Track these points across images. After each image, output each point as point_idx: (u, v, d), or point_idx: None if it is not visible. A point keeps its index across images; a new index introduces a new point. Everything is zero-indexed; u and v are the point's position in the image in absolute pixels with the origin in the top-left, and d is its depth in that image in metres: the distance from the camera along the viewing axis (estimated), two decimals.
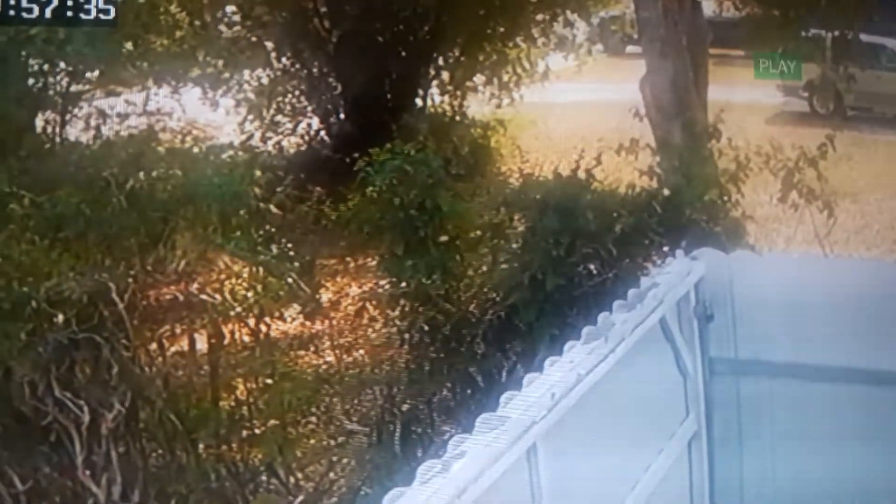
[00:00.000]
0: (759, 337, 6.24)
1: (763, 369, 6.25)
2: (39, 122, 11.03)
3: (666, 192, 8.91)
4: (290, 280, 9.42)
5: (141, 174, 8.98)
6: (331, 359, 10.80)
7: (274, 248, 9.31)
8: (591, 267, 8.69)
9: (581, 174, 9.05)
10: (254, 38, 14.65)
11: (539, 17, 15.39)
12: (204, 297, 9.40)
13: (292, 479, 9.08)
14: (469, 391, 8.75)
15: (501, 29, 15.32)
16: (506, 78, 15.76)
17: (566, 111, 15.95)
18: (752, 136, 9.98)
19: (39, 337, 8.30)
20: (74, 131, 11.26)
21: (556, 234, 8.66)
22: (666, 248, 8.31)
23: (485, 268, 9.22)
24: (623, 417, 5.25)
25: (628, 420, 5.32)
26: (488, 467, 3.86)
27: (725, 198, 8.93)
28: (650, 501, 5.29)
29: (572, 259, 8.66)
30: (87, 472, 8.61)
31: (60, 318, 8.38)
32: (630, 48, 15.52)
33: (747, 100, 16.14)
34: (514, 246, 9.17)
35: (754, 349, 6.25)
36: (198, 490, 8.61)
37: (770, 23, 13.75)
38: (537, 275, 8.60)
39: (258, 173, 9.82)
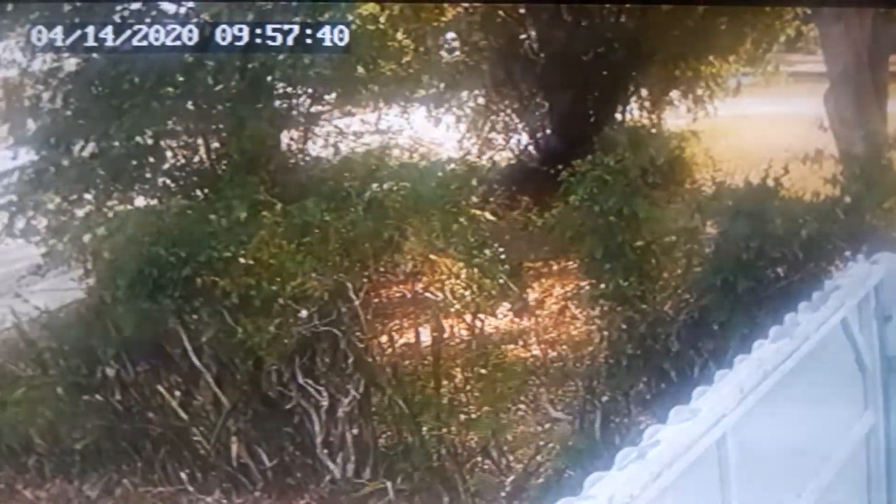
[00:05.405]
0: None
1: None
2: (284, 140, 11.47)
3: (848, 199, 8.80)
4: (501, 281, 9.61)
5: (375, 186, 9.29)
6: (537, 352, 10.92)
7: (487, 252, 9.51)
8: (779, 270, 8.64)
9: (770, 182, 9.00)
10: (471, 62, 14.93)
11: (730, 36, 15.26)
12: (428, 295, 9.71)
13: (504, 461, 9.27)
14: (663, 385, 8.78)
15: (695, 48, 15.24)
16: (700, 92, 15.66)
17: (756, 123, 15.71)
18: None
19: (285, 330, 8.74)
20: (315, 148, 11.65)
21: (747, 239, 8.63)
22: (847, 253, 8.21)
23: (679, 271, 9.23)
24: (806, 411, 5.26)
25: (811, 413, 5.33)
26: (681, 455, 3.91)
27: None
28: (829, 488, 5.29)
29: (761, 262, 8.63)
30: (325, 451, 9.02)
31: (304, 313, 8.79)
32: (814, 65, 15.23)
33: None
34: (707, 250, 9.16)
35: None
36: (421, 468, 8.88)
37: None
38: (728, 277, 8.59)
39: (475, 185, 10.06)
